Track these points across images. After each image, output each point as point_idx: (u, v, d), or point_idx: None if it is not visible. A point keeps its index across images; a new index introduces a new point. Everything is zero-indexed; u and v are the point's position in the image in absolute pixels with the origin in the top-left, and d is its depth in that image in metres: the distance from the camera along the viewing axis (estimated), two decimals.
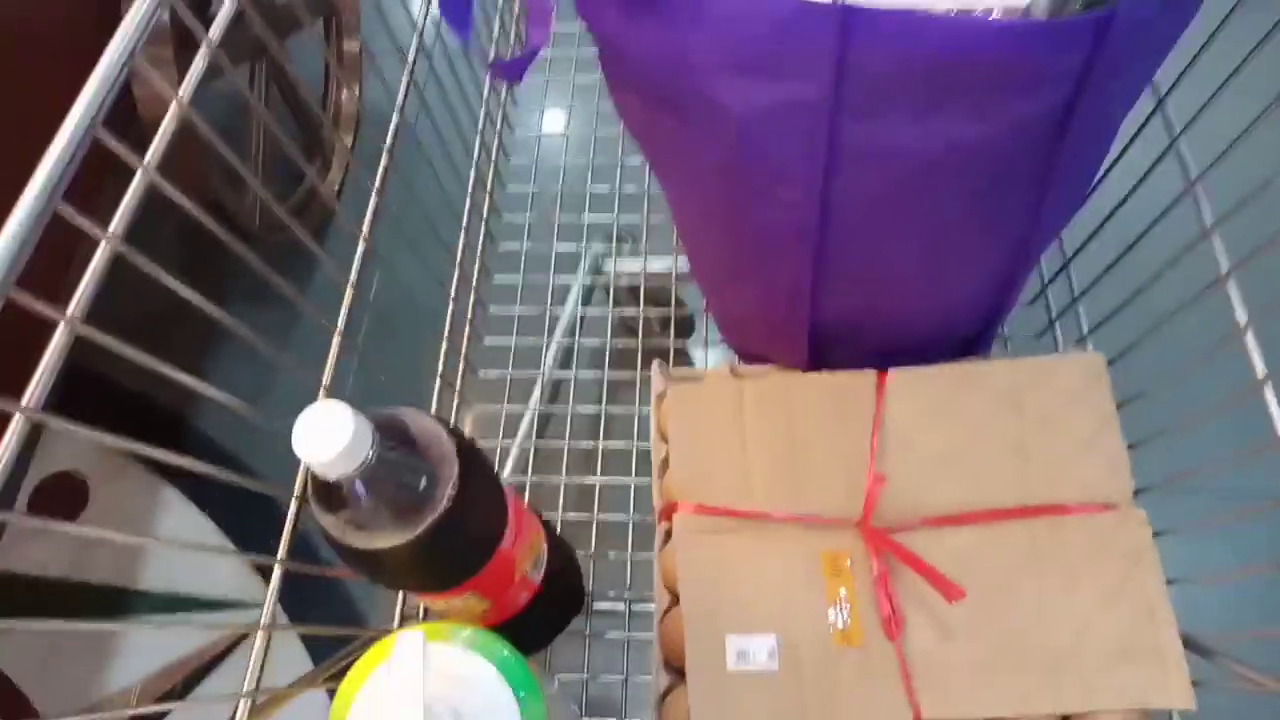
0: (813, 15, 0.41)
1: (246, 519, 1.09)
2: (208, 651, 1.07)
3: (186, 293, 0.42)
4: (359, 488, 0.41)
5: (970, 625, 0.54)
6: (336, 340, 0.53)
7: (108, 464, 1.22)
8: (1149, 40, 0.44)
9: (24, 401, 0.34)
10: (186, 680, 1.06)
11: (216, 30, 0.42)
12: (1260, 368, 0.50)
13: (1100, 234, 0.64)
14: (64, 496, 1.22)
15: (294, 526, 0.48)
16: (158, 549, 1.22)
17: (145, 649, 1.09)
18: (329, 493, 0.42)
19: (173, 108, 0.39)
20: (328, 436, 0.39)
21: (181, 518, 1.17)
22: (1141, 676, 0.53)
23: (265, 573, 0.50)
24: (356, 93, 1.43)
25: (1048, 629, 0.54)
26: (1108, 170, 0.59)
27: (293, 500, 0.48)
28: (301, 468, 0.49)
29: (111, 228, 0.36)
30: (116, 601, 1.14)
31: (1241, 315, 0.52)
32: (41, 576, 1.15)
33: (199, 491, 1.17)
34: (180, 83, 0.40)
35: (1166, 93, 0.59)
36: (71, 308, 0.36)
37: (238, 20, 0.44)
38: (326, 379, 0.52)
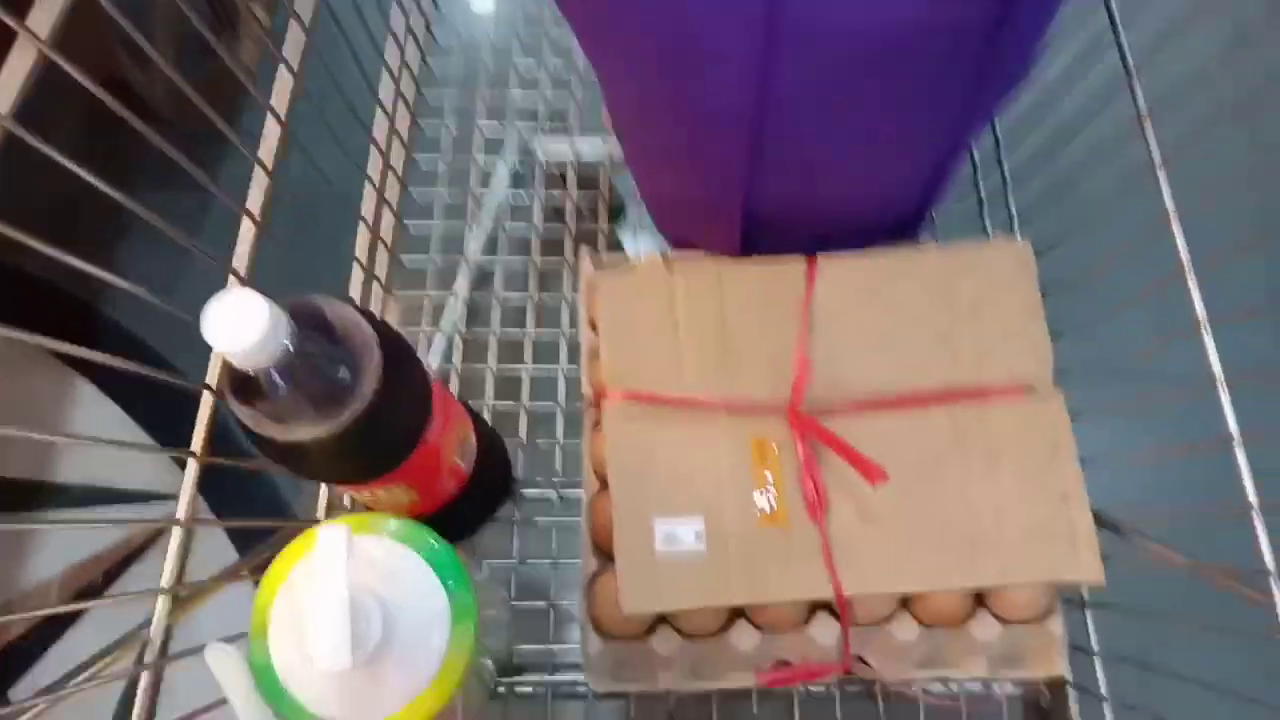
0: None
1: (163, 408, 1.07)
2: (131, 542, 1.06)
3: (86, 176, 0.39)
4: (276, 378, 0.40)
5: (893, 507, 0.55)
6: (246, 224, 0.50)
7: (15, 355, 1.17)
8: None
9: None
10: (108, 573, 1.04)
11: None
12: (1185, 254, 0.51)
13: (1035, 131, 0.63)
14: None
15: (210, 419, 0.47)
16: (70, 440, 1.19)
17: (64, 542, 1.07)
18: (245, 384, 0.41)
19: None
20: (240, 326, 0.37)
21: (95, 409, 1.13)
22: (1054, 553, 0.55)
23: (185, 465, 0.48)
24: None
25: (967, 511, 0.55)
26: (1045, 58, 0.58)
27: (205, 392, 0.47)
28: (215, 358, 0.47)
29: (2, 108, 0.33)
30: (32, 496, 1.11)
31: (1170, 204, 0.52)
32: None
33: (112, 382, 1.13)
34: None
35: None
36: None
37: None
38: (240, 266, 0.49)
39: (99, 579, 1.04)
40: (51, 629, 1.03)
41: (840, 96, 0.48)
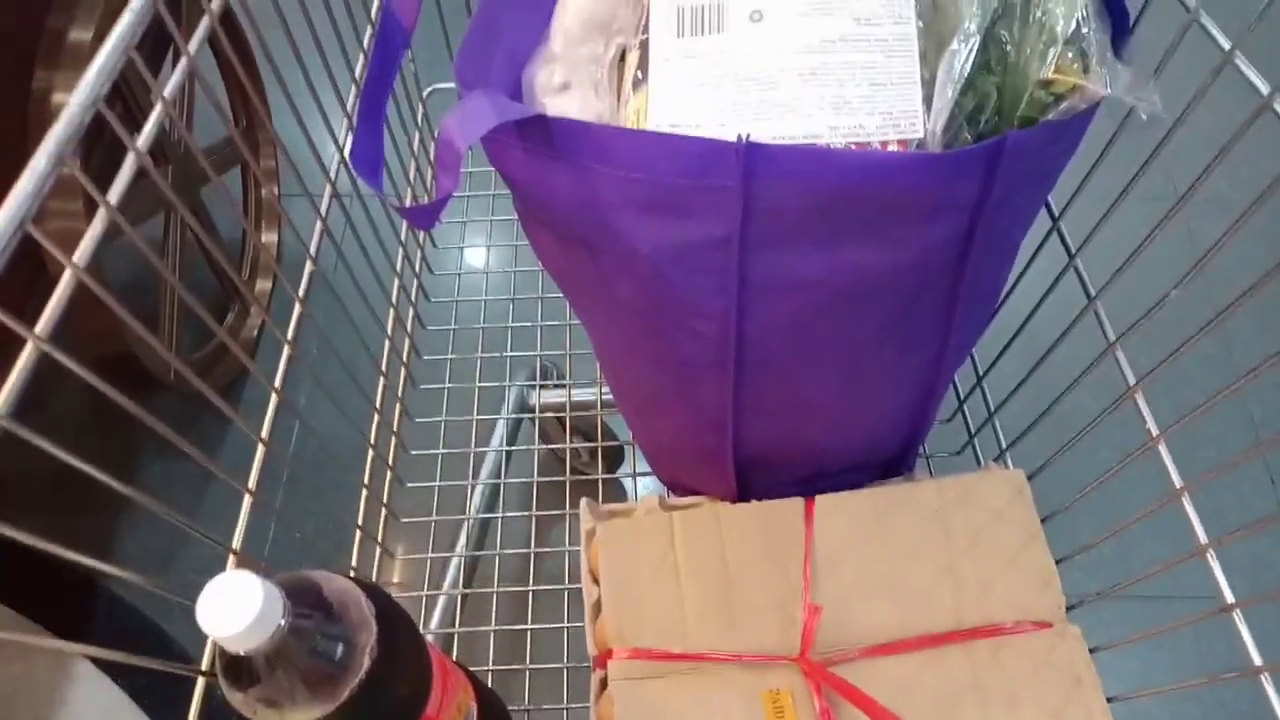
0: (718, 154, 0.42)
1: (163, 687, 1.03)
2: None
3: (79, 464, 0.40)
4: (271, 660, 0.39)
5: None
6: (247, 501, 0.50)
7: (13, 628, 1.15)
8: (1038, 166, 0.46)
9: None
10: None
11: (115, 193, 0.41)
12: (1176, 479, 0.51)
13: (1011, 351, 0.65)
14: None
15: (201, 705, 0.45)
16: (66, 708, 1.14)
17: None
18: (238, 667, 0.40)
19: (67, 274, 0.37)
20: (234, 609, 0.37)
21: (92, 690, 1.10)
22: None
23: None
24: (274, 238, 1.42)
25: None
26: (1012, 290, 0.61)
27: (199, 679, 0.45)
28: (208, 642, 0.46)
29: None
30: None
31: (1153, 426, 0.53)
32: None
33: (111, 661, 1.10)
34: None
35: (1060, 214, 0.61)
36: None
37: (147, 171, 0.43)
38: (237, 543, 0.49)
39: None
40: None
41: (815, 340, 0.49)
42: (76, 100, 0.36)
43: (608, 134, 0.44)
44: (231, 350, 1.22)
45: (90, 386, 0.39)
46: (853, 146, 0.45)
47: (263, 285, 1.40)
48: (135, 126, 0.42)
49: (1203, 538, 0.49)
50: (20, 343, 0.36)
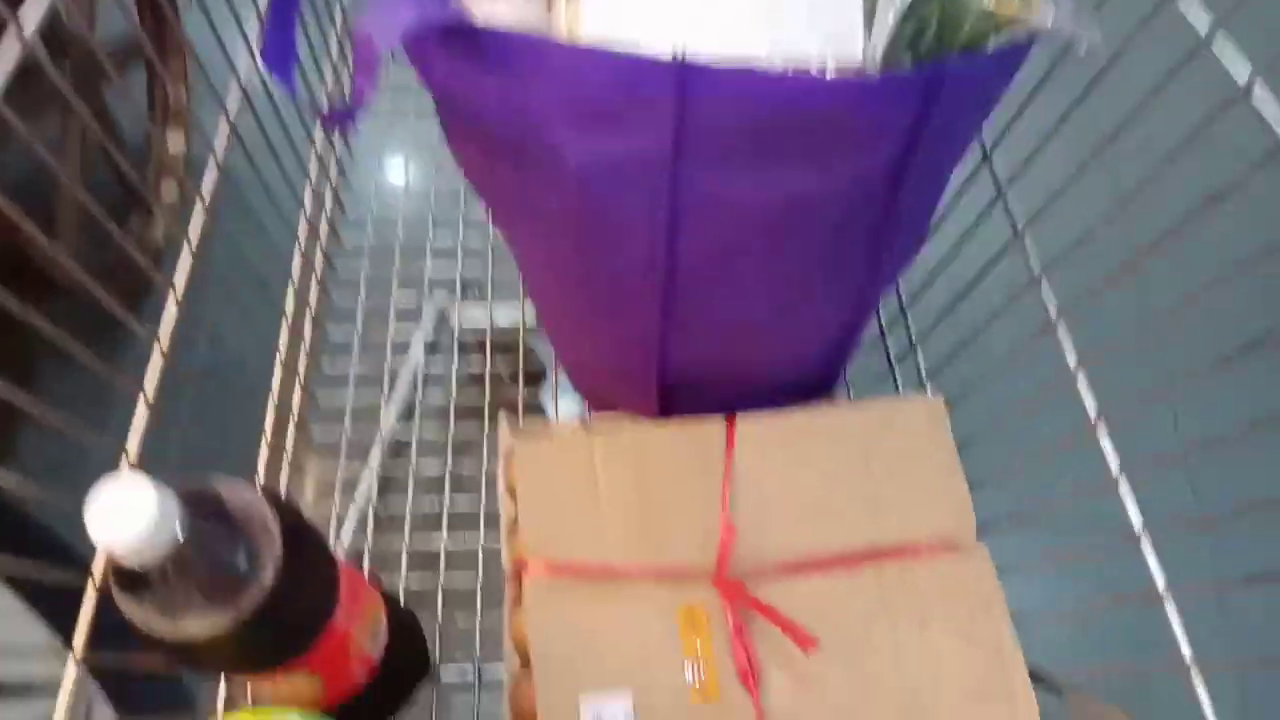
0: (651, 69, 0.40)
1: (63, 595, 1.00)
2: None
3: None
4: (166, 569, 0.37)
5: (827, 673, 0.54)
6: (142, 408, 0.48)
7: None
8: (976, 96, 0.46)
9: None
10: None
11: (32, 25, 0.38)
12: (1093, 409, 0.52)
13: (936, 281, 0.66)
14: None
15: (94, 614, 0.44)
16: None
17: None
18: (132, 576, 0.38)
19: None
20: (126, 518, 0.35)
21: None
22: (993, 714, 0.53)
23: None
24: (181, 139, 1.35)
25: (903, 673, 0.54)
26: (940, 220, 0.61)
27: (90, 588, 0.44)
28: (99, 553, 0.44)
29: None
30: None
31: (1071, 358, 0.54)
32: None
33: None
34: None
35: (993, 147, 0.61)
36: None
37: (54, 61, 0.39)
38: (132, 451, 0.47)
39: None
40: None
41: (744, 261, 0.49)
42: None
43: (539, 44, 0.42)
44: (132, 261, 1.18)
45: None
46: (790, 67, 0.44)
47: (168, 188, 1.34)
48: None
49: (1114, 467, 0.50)
50: None
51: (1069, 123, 0.52)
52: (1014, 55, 0.44)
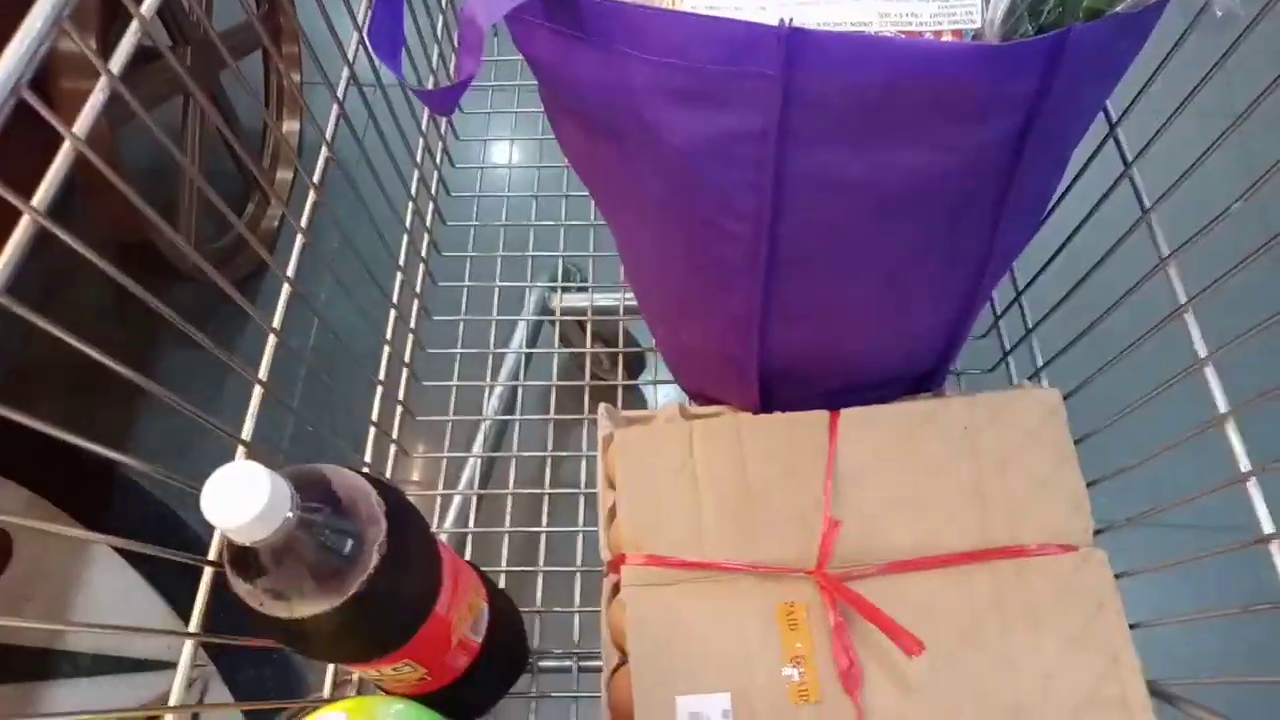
0: (758, 40, 0.39)
1: (180, 573, 1.05)
2: (139, 713, 1.02)
3: (93, 352, 0.39)
4: (277, 553, 0.38)
5: (932, 676, 0.52)
6: (257, 391, 0.49)
7: (33, 517, 1.17)
8: (1102, 65, 0.43)
9: None
10: None
11: (117, 63, 0.39)
12: (1221, 402, 0.49)
13: (1053, 265, 0.63)
14: None
15: (209, 596, 0.45)
16: (85, 607, 1.17)
17: (72, 711, 1.04)
18: (245, 558, 0.39)
19: (66, 145, 0.35)
20: (240, 500, 0.36)
21: (112, 575, 1.12)
22: None
23: None
24: (296, 127, 1.39)
25: (1011, 679, 0.52)
26: (1060, 198, 0.58)
27: (206, 569, 0.45)
28: (216, 532, 0.45)
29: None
30: (43, 664, 1.09)
31: (1201, 348, 0.51)
32: None
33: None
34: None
35: (1119, 119, 0.58)
36: None
37: (173, 48, 0.41)
38: (246, 433, 0.48)
39: None
40: None
41: (852, 245, 0.47)
42: None
43: (641, 14, 0.41)
44: (249, 246, 1.22)
45: (108, 278, 0.38)
46: (903, 35, 0.42)
47: (283, 176, 1.38)
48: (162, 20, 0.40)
49: (1245, 466, 0.47)
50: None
51: (1202, 96, 0.49)
52: (1143, 19, 0.41)
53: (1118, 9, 0.41)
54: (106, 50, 0.39)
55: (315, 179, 0.55)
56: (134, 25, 0.39)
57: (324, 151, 0.58)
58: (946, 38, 0.42)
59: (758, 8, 0.43)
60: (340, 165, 0.59)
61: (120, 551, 1.12)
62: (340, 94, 0.59)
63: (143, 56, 0.41)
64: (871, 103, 0.40)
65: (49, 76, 0.75)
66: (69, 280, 0.39)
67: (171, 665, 0.91)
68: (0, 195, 0.33)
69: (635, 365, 0.95)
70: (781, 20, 0.38)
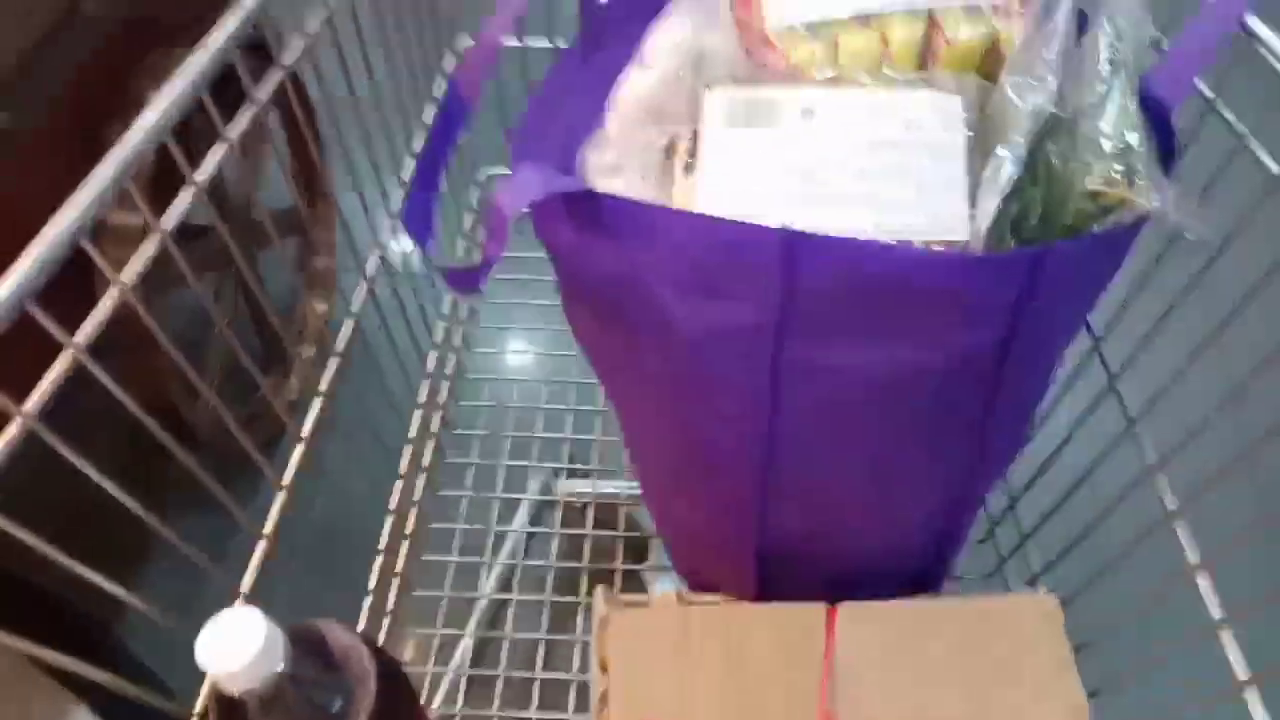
0: (760, 238, 0.42)
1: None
2: None
3: (109, 486, 0.40)
4: (266, 705, 0.38)
5: None
6: (261, 545, 0.50)
7: (13, 677, 1.14)
8: (1081, 279, 0.46)
9: None
10: None
11: (171, 219, 0.42)
12: (1216, 611, 0.49)
13: (1047, 474, 0.64)
14: None
15: None
16: None
17: None
18: (233, 708, 0.39)
19: (112, 290, 0.38)
20: (235, 645, 0.36)
21: None
22: None
23: None
24: (324, 309, 1.45)
25: None
26: (1051, 409, 0.60)
27: (193, 718, 0.44)
28: (205, 683, 0.45)
29: (27, 405, 0.35)
30: None
31: (1193, 556, 0.51)
32: None
33: (111, 710, 1.08)
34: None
35: (1102, 335, 0.61)
36: None
37: (210, 230, 0.45)
38: (246, 585, 0.49)
39: None
40: None
41: (846, 434, 0.49)
42: (139, 125, 0.37)
43: (653, 212, 0.45)
44: (265, 416, 1.25)
45: (127, 437, 0.39)
46: (895, 242, 0.45)
47: (308, 354, 1.43)
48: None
49: (1242, 673, 0.46)
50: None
51: (1182, 309, 0.52)
52: (1119, 239, 0.45)
53: (1094, 229, 0.44)
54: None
55: (340, 345, 0.58)
56: (188, 191, 0.43)
57: (348, 325, 0.61)
58: (936, 248, 0.45)
59: (763, 214, 0.47)
60: (365, 344, 0.62)
61: (104, 715, 1.08)
62: (369, 270, 0.62)
63: (186, 233, 0.45)
64: (864, 302, 0.43)
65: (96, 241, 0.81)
66: (88, 441, 0.41)
67: None
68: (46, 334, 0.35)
69: (637, 553, 0.95)
70: (783, 224, 0.42)
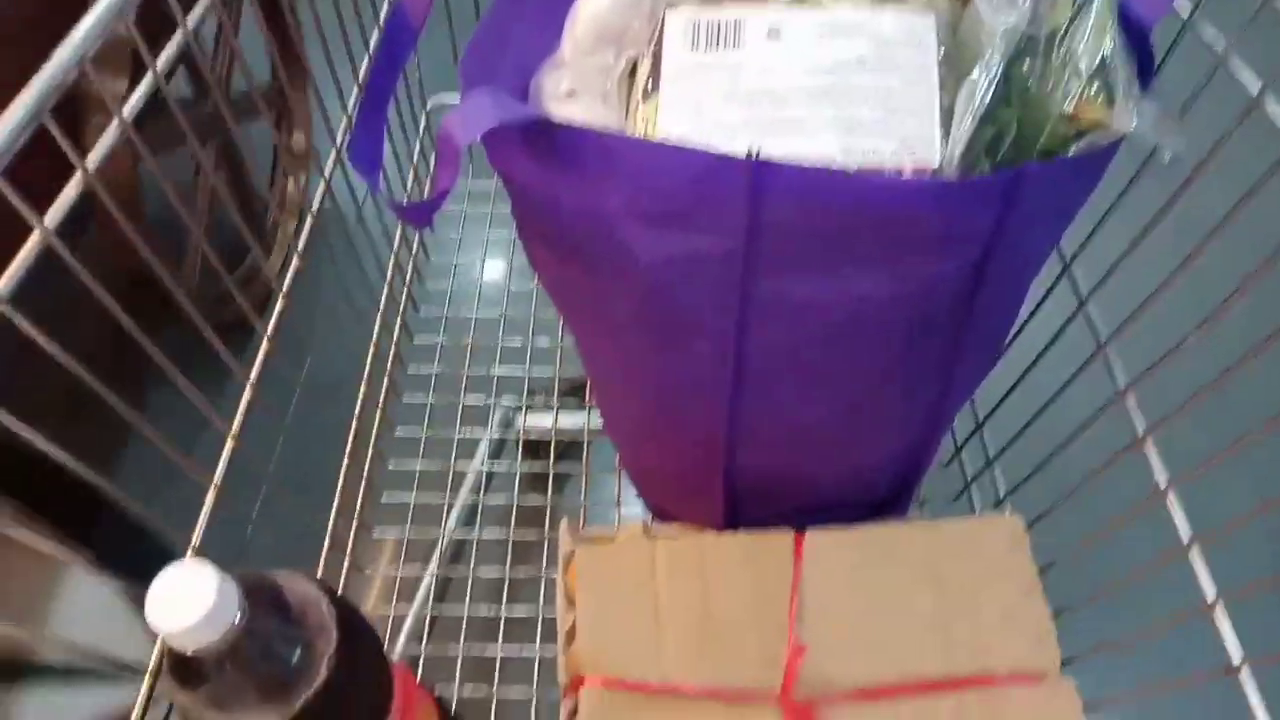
0: (725, 169, 0.40)
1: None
2: None
3: (81, 372, 0.39)
4: (222, 661, 0.37)
5: None
6: (211, 496, 0.48)
7: (7, 525, 1.16)
8: (1056, 203, 0.45)
9: None
10: None
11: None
12: (1185, 530, 0.49)
13: (1014, 396, 0.64)
14: None
15: (144, 708, 0.43)
16: (57, 620, 1.15)
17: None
18: (187, 665, 0.37)
19: (77, 175, 0.38)
20: (187, 601, 0.34)
21: (85, 585, 1.09)
22: None
23: None
24: (302, 184, 1.45)
25: None
26: (1018, 332, 0.60)
27: (146, 677, 0.43)
28: (158, 640, 0.43)
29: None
30: (14, 674, 1.07)
31: (1161, 477, 0.51)
32: None
33: (105, 556, 1.10)
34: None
35: (1074, 256, 0.60)
36: None
37: (197, 100, 0.45)
38: (196, 539, 0.47)
39: None
40: None
41: (814, 366, 0.48)
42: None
43: (614, 141, 0.42)
44: (255, 283, 1.24)
45: (110, 315, 0.39)
46: (866, 170, 0.44)
47: (287, 227, 1.43)
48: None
49: (1210, 594, 0.47)
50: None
51: (1155, 231, 0.51)
52: (1095, 161, 0.43)
53: (1070, 151, 0.43)
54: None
55: (299, 246, 0.57)
56: (148, 76, 0.42)
57: (308, 220, 0.59)
58: (907, 174, 0.44)
59: (727, 139, 0.45)
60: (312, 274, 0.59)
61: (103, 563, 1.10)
62: (315, 206, 0.60)
63: (163, 105, 0.45)
64: (833, 231, 0.41)
65: (82, 113, 0.80)
66: (71, 319, 0.41)
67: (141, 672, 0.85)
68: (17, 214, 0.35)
69: (599, 485, 0.94)
70: (749, 151, 0.40)
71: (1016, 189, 0.41)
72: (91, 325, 0.42)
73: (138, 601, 0.45)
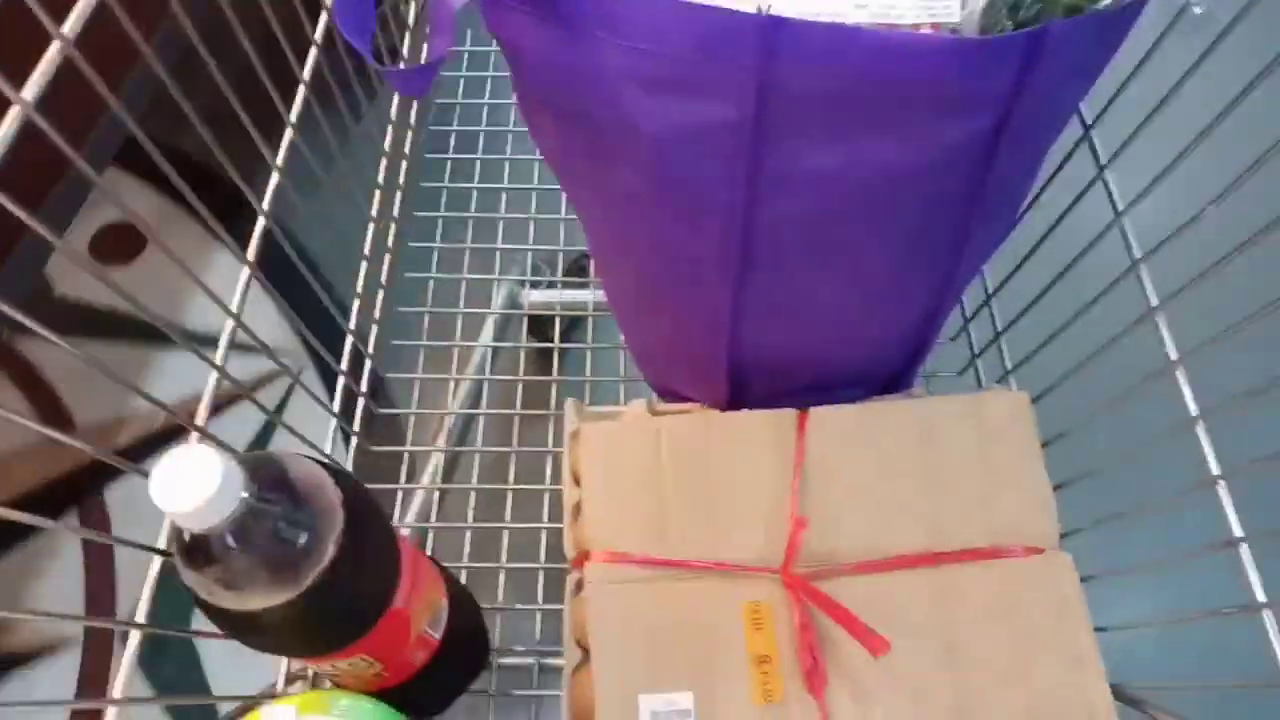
0: (735, 29, 0.38)
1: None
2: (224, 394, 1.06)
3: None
4: (229, 541, 0.37)
5: (895, 677, 0.52)
6: (212, 380, 0.48)
7: (164, 217, 1.35)
8: (1079, 63, 0.43)
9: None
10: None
11: None
12: (1192, 405, 0.49)
13: (1024, 268, 0.62)
14: (122, 241, 1.38)
15: (156, 585, 0.43)
16: (199, 295, 1.24)
17: (175, 379, 1.24)
18: (196, 547, 0.38)
19: (55, 44, 0.36)
20: (191, 484, 0.34)
21: (230, 274, 1.15)
22: None
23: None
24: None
25: (973, 681, 0.51)
26: (1033, 202, 0.58)
27: (154, 558, 0.43)
28: (166, 520, 0.44)
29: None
30: (160, 335, 1.24)
31: (1173, 351, 0.51)
32: (93, 306, 1.33)
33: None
34: None
35: (1094, 122, 0.58)
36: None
37: None
38: (201, 418, 0.47)
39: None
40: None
41: (824, 240, 0.46)
42: None
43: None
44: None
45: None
46: (881, 27, 0.41)
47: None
48: None
49: (1215, 469, 0.47)
50: None
51: (1179, 96, 0.49)
52: (1121, 19, 0.41)
53: (1097, 7, 0.41)
54: None
55: (293, 118, 0.55)
56: None
57: (300, 90, 0.57)
58: (925, 31, 0.41)
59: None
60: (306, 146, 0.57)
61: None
62: (306, 72, 0.57)
63: None
64: (847, 95, 0.39)
65: None
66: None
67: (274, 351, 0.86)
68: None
69: (604, 362, 0.94)
70: (759, 8, 0.38)
71: (1039, 48, 0.39)
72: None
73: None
